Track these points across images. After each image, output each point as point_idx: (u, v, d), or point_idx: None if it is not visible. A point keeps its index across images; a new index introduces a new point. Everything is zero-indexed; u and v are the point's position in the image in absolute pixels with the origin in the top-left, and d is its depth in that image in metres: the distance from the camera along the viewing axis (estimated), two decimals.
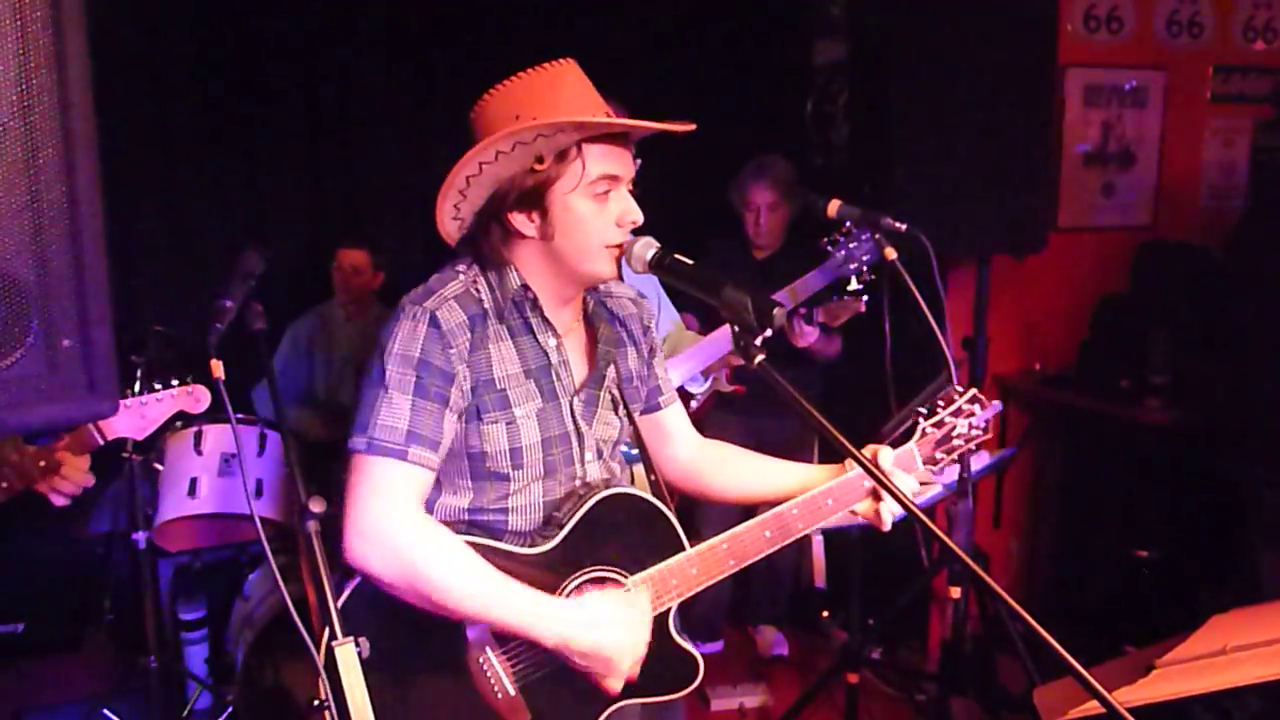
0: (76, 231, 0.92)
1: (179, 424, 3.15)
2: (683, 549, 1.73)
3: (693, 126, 1.61)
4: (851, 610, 3.47)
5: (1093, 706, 1.26)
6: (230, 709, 3.27)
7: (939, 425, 1.91)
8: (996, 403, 1.96)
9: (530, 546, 1.68)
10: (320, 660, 1.50)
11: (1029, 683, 2.66)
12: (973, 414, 1.92)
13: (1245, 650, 1.85)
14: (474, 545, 1.62)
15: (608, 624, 1.58)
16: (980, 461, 2.91)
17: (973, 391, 1.94)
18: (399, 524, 1.55)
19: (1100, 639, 3.26)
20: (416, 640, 1.63)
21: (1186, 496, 3.59)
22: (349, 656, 1.48)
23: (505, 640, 1.66)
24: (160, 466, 3.19)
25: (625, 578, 1.70)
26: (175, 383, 2.03)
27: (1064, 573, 4.03)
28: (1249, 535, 3.10)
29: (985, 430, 1.95)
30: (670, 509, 1.77)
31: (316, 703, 1.49)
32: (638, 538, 1.73)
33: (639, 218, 1.64)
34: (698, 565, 1.71)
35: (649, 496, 1.76)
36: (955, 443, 1.92)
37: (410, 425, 1.57)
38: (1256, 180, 4.24)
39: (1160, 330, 3.64)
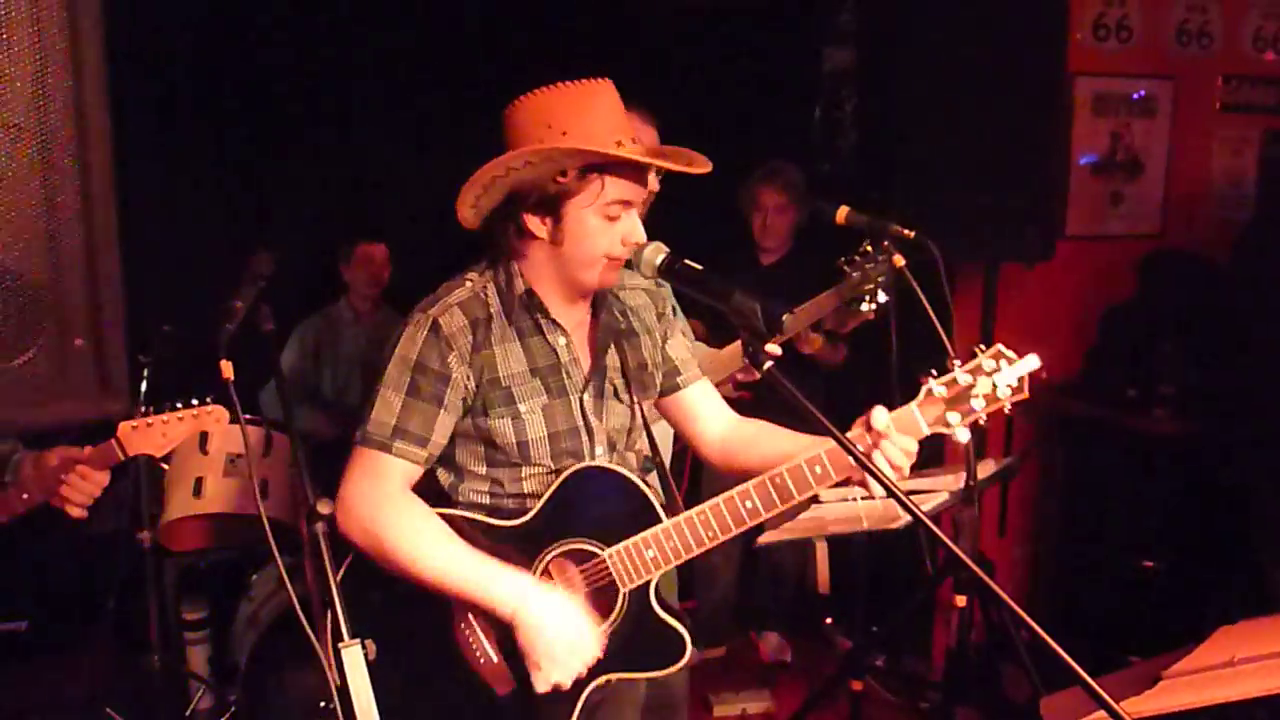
0: (90, 232, 0.92)
1: None
2: (660, 523, 1.76)
3: (709, 167, 1.73)
4: (856, 617, 3.47)
5: (1100, 717, 1.25)
6: (233, 709, 3.27)
7: (950, 384, 1.66)
8: (1032, 356, 1.64)
9: (509, 520, 1.77)
10: (327, 661, 1.50)
11: (1034, 692, 2.65)
12: (997, 370, 1.63)
13: (1253, 662, 1.84)
14: (459, 518, 1.76)
15: (560, 610, 1.67)
16: (986, 469, 2.90)
17: (997, 347, 1.66)
18: (376, 502, 1.71)
19: (1105, 649, 3.24)
20: (408, 609, 1.73)
21: (1193, 506, 3.57)
22: (355, 658, 1.49)
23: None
24: (166, 466, 3.19)
25: (601, 550, 1.75)
26: (195, 402, 2.06)
27: (1069, 582, 4.00)
28: (1256, 546, 3.08)
29: (1020, 387, 1.64)
30: (673, 490, 1.82)
31: (323, 705, 1.50)
32: (615, 512, 1.76)
33: (642, 238, 1.75)
34: (676, 537, 1.73)
35: (625, 471, 1.79)
36: (974, 403, 1.65)
37: (398, 422, 1.73)
38: (1265, 189, 4.23)
39: (1167, 339, 3.64)
